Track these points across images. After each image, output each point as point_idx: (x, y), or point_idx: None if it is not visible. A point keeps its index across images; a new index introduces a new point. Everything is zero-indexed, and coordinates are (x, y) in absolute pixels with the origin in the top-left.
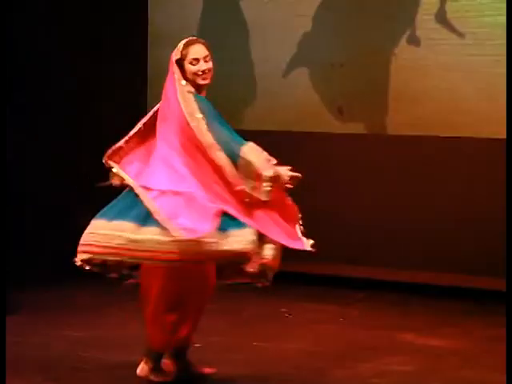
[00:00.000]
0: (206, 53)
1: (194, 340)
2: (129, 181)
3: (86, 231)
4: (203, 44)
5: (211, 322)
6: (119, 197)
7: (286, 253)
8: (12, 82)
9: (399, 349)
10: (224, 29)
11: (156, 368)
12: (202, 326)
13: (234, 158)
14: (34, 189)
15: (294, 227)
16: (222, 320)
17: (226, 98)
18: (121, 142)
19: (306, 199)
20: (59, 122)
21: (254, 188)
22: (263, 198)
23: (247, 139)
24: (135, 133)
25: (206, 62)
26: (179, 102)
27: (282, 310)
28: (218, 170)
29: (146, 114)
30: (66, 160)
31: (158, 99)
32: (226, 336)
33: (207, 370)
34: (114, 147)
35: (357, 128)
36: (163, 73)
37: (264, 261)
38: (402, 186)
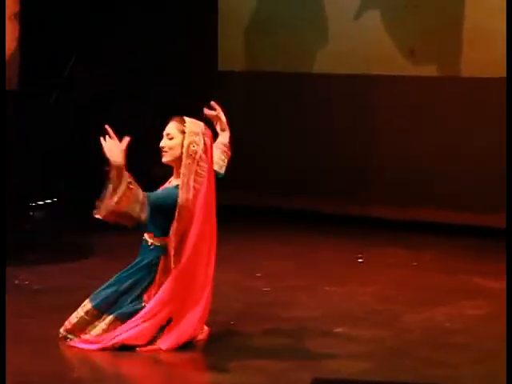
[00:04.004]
0: (169, 131)
1: (261, 285)
2: None
3: None
4: (175, 121)
5: (283, 265)
6: None
7: (359, 198)
8: None
9: (472, 293)
10: None
11: None
12: (273, 270)
13: None
14: None
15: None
16: (293, 263)
17: (296, 41)
18: None
19: (383, 142)
20: None
21: None
22: None
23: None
24: None
25: (168, 139)
26: None
27: (358, 255)
28: None
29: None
30: None
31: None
32: (298, 279)
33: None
34: None
35: (429, 70)
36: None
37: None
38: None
